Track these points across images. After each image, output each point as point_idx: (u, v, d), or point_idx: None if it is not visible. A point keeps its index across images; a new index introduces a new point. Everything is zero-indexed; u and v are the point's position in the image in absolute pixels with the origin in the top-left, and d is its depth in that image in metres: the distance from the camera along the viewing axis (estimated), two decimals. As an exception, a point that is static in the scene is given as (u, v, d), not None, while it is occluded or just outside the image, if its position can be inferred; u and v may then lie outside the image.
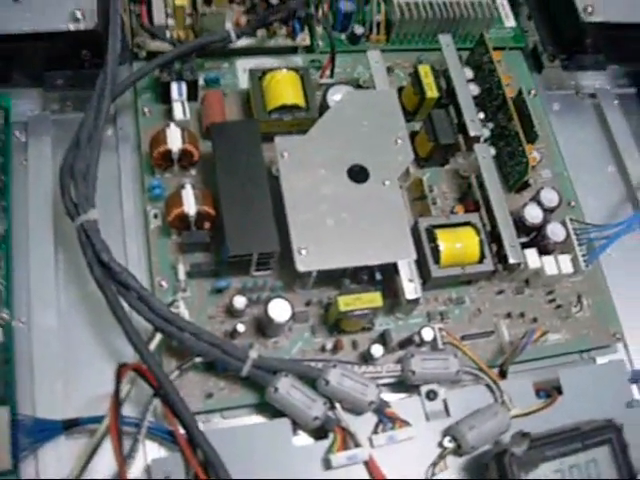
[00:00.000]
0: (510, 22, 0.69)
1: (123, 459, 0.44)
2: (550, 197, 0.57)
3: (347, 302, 0.50)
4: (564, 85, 0.71)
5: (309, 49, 0.64)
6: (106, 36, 0.53)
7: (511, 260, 0.54)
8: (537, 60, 0.69)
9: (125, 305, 0.48)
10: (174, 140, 0.53)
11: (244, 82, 0.60)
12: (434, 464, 0.50)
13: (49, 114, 0.58)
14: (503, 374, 0.54)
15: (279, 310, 0.50)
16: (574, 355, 0.58)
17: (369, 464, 0.49)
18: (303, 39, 0.63)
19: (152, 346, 0.48)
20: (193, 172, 0.56)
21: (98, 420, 0.47)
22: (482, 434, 0.50)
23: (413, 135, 0.60)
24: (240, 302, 0.51)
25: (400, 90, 0.62)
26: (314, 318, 0.54)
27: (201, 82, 0.59)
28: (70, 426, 0.48)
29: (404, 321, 0.55)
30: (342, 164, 0.54)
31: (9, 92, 0.57)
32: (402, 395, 0.53)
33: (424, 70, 0.60)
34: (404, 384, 0.52)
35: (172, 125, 0.54)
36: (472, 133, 0.58)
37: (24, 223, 0.54)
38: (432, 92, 0.59)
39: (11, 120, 0.57)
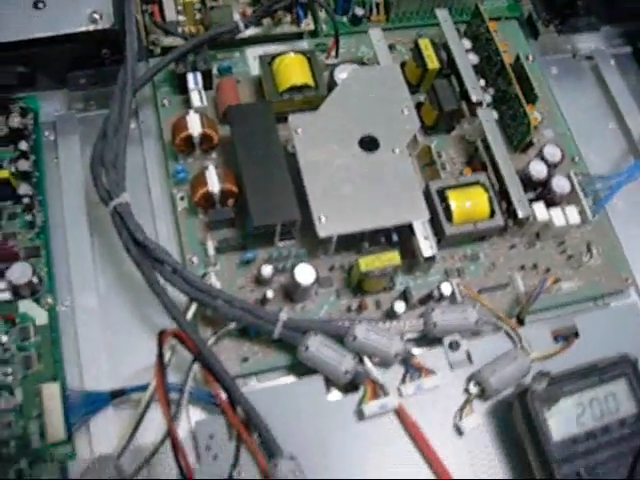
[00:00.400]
0: (504, -7, 0.72)
1: (171, 418, 0.48)
2: (553, 152, 0.60)
3: (367, 262, 0.53)
4: (561, 49, 0.74)
5: (314, 33, 0.67)
6: (123, 34, 0.57)
7: (520, 214, 0.57)
8: (533, 27, 0.72)
9: (161, 280, 0.51)
10: (194, 125, 0.57)
11: (255, 69, 0.63)
12: (461, 409, 0.53)
13: (75, 113, 0.62)
14: (521, 322, 0.56)
15: (305, 274, 0.53)
16: (588, 303, 0.60)
17: (399, 412, 0.52)
18: (307, 24, 0.66)
19: (189, 315, 0.51)
20: (214, 155, 0.60)
21: (143, 389, 0.50)
22: (504, 377, 0.53)
23: (418, 106, 0.63)
24: (267, 271, 0.54)
25: (403, 65, 0.65)
26: (338, 282, 0.57)
27: (215, 72, 0.62)
28: (117, 395, 0.51)
29: (423, 279, 0.58)
30: (353, 136, 0.57)
31: (36, 95, 0.61)
32: (426, 349, 0.56)
33: (424, 43, 0.63)
34: (427, 338, 0.55)
35: (191, 112, 0.57)
36: (474, 99, 0.61)
37: (60, 214, 0.57)
38: (433, 63, 0.62)
39: (40, 121, 0.61)
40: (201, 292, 0.51)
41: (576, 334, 0.57)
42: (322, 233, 0.53)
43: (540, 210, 0.58)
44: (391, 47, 0.66)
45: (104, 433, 0.51)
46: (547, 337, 0.57)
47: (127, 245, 0.51)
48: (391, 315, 0.55)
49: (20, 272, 0.52)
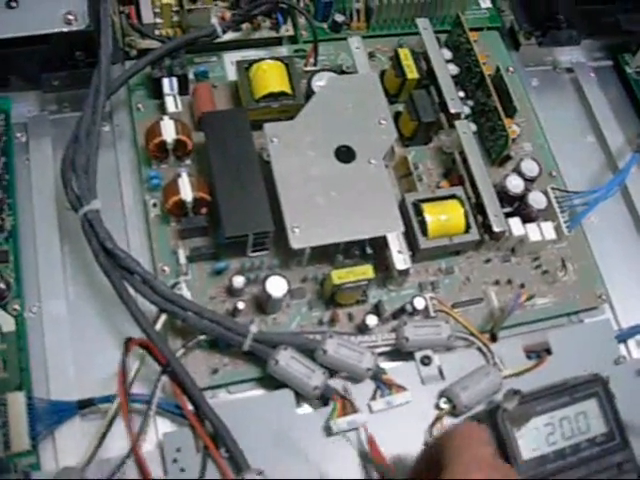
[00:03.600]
0: (486, 3, 0.71)
1: (136, 433, 0.47)
2: (530, 167, 0.60)
3: (340, 275, 0.53)
4: (541, 61, 0.73)
5: (293, 39, 0.66)
6: (98, 36, 0.56)
7: (495, 229, 0.57)
8: (514, 38, 0.72)
9: (130, 289, 0.51)
10: (168, 131, 0.56)
11: (232, 74, 0.63)
12: (431, 425, 0.53)
13: (47, 114, 0.61)
14: (494, 338, 0.56)
15: (276, 286, 0.52)
16: (562, 318, 0.60)
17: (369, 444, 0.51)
18: (286, 30, 0.65)
19: (158, 326, 0.51)
20: (188, 162, 0.59)
21: (111, 399, 0.49)
22: (475, 394, 0.52)
23: (397, 116, 0.63)
24: (239, 281, 0.53)
25: (382, 74, 0.64)
26: (310, 293, 0.56)
27: (191, 76, 0.61)
28: (84, 406, 0.50)
29: (397, 292, 0.57)
30: (329, 146, 0.56)
31: (8, 95, 0.60)
32: (398, 363, 0.56)
33: (404, 53, 0.62)
34: (399, 352, 0.55)
35: (165, 118, 0.56)
36: (453, 110, 0.61)
37: (30, 218, 0.56)
38: (412, 74, 0.62)
39: (11, 122, 0.59)
40: (171, 303, 0.50)
41: (548, 350, 0.57)
42: (295, 244, 0.53)
43: (516, 225, 0.58)
44: (371, 55, 0.66)
45: (70, 444, 0.50)
46: (520, 353, 0.56)
47: (96, 253, 0.51)
48: (363, 328, 0.55)
49: (-14, 279, 0.51)
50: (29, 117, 0.60)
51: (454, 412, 0.53)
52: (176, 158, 0.58)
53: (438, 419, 0.53)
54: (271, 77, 0.59)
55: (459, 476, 0.39)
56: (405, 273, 0.55)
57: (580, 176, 0.67)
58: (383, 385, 0.53)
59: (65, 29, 0.55)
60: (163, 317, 0.51)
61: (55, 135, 0.60)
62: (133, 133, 0.60)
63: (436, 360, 0.55)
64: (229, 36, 0.63)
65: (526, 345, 0.57)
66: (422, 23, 0.64)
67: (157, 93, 0.60)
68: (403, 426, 0.52)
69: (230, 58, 0.64)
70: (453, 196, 0.58)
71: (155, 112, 0.60)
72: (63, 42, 0.56)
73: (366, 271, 0.53)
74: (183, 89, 0.60)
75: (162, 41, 0.61)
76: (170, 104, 0.58)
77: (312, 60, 0.63)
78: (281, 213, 0.53)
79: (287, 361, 0.50)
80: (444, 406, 0.53)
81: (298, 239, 0.53)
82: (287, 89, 0.59)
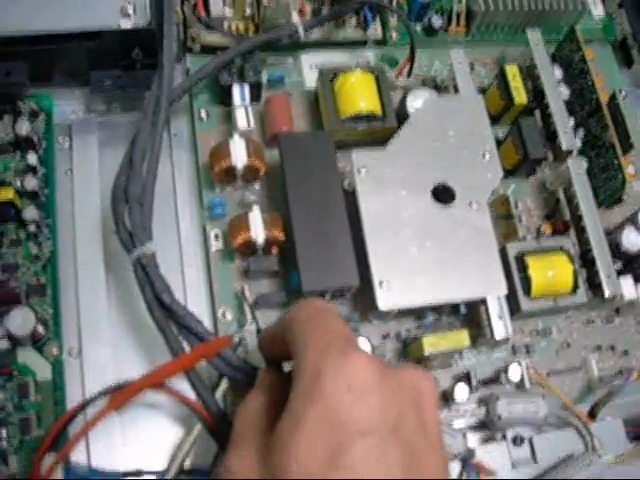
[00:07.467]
0: (598, 10, 0.62)
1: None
2: (650, 219, 0.52)
3: (432, 343, 0.46)
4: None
5: (381, 42, 0.57)
6: (161, 34, 0.47)
7: (607, 293, 0.49)
8: (626, 54, 0.62)
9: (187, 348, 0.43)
10: (238, 154, 0.47)
11: (311, 80, 0.54)
12: (522, 521, 0.46)
13: (95, 116, 0.52)
14: (593, 416, 0.49)
15: (357, 350, 0.45)
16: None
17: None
18: (375, 30, 0.56)
19: (218, 394, 0.44)
20: (257, 186, 0.51)
21: (161, 475, 0.43)
22: (574, 489, 0.46)
23: (497, 144, 0.54)
24: (313, 339, 0.46)
25: (482, 92, 0.56)
26: (390, 352, 0.49)
27: (263, 80, 0.53)
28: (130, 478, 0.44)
29: (487, 356, 0.50)
30: (425, 183, 0.48)
31: (50, 93, 0.51)
32: (481, 434, 0.49)
33: (512, 72, 0.53)
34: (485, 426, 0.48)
35: (235, 136, 0.48)
36: (565, 146, 0.52)
37: (71, 242, 0.48)
38: (521, 98, 0.53)
39: (53, 123, 0.51)
40: (234, 369, 0.43)
41: (651, 429, 0.50)
42: (383, 305, 0.45)
43: (628, 286, 0.50)
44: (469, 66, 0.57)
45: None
46: (621, 433, 0.50)
47: (150, 306, 0.43)
48: (449, 397, 0.48)
49: (21, 320, 0.43)
50: (73, 119, 0.51)
51: (548, 505, 0.46)
52: (244, 182, 0.50)
53: (531, 515, 0.46)
54: (360, 94, 0.50)
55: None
56: (505, 341, 0.47)
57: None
58: (470, 468, 0.46)
59: (122, 24, 0.46)
60: (224, 384, 0.44)
61: (103, 140, 0.51)
62: (194, 147, 0.52)
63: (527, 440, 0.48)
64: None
65: (627, 420, 0.50)
66: (533, 36, 0.55)
67: (224, 99, 0.51)
68: (488, 517, 0.46)
69: (309, 60, 0.55)
70: (560, 249, 0.50)
71: (221, 123, 0.52)
72: (118, 38, 0.47)
73: (461, 339, 0.46)
74: (255, 96, 0.51)
75: (233, 37, 0.52)
76: (241, 119, 0.49)
77: (406, 71, 0.54)
78: (367, 263, 0.46)
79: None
80: (539, 502, 0.46)
81: (386, 299, 0.45)
82: (377, 109, 0.51)
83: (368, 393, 0.30)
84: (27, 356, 0.45)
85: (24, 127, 0.48)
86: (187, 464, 0.44)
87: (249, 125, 0.49)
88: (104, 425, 0.43)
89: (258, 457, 0.32)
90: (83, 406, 0.43)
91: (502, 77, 0.53)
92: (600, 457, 0.47)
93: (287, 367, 0.39)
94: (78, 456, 0.43)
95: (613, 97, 0.55)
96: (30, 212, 0.47)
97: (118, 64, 0.49)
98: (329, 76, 0.51)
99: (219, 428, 0.42)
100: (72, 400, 0.45)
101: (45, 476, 0.41)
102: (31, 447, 0.43)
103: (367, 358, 0.31)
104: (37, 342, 0.45)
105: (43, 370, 0.45)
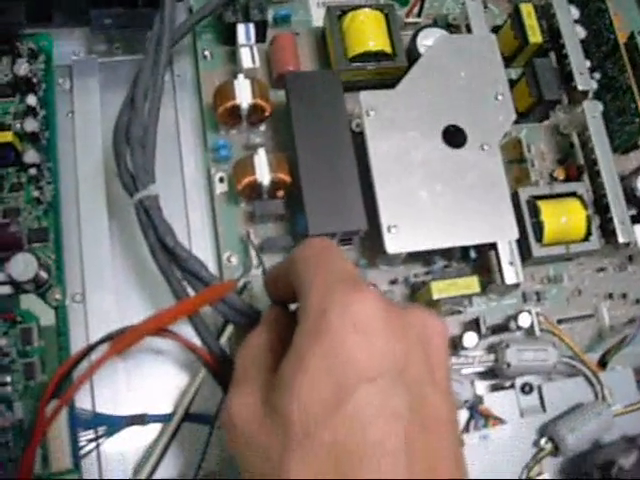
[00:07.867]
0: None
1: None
2: (668, 166, 0.50)
3: (441, 288, 0.45)
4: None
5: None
6: (163, -32, 0.45)
7: (621, 239, 0.48)
8: (645, -9, 0.60)
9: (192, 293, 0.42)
10: (243, 94, 0.46)
11: (318, 19, 0.52)
12: (529, 467, 0.46)
13: (96, 57, 0.50)
14: (603, 365, 0.49)
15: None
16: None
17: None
18: (384, -37, 0.54)
19: (223, 339, 0.43)
20: (262, 128, 0.49)
21: (166, 419, 0.43)
22: (583, 435, 0.45)
23: (510, 85, 0.52)
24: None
25: (496, 31, 0.54)
26: (399, 297, 0.48)
27: (269, 19, 0.51)
28: (134, 423, 0.43)
29: (497, 302, 0.49)
30: (436, 124, 0.47)
31: (50, 33, 0.49)
32: (489, 382, 0.49)
33: (527, 10, 0.51)
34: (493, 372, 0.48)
35: (240, 76, 0.46)
36: (581, 87, 0.50)
37: (73, 185, 0.47)
38: (536, 37, 0.51)
39: (53, 65, 0.49)
40: (240, 314, 0.42)
41: (664, 378, 0.49)
42: (391, 249, 0.44)
43: (642, 233, 0.49)
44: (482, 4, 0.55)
45: (117, 461, 0.43)
46: (631, 383, 0.49)
47: (153, 249, 0.42)
48: (457, 344, 0.47)
49: (23, 266, 0.43)
50: (74, 60, 0.50)
51: (555, 453, 0.46)
52: (249, 124, 0.48)
53: (537, 462, 0.46)
54: (369, 31, 0.49)
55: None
56: (515, 287, 0.46)
57: None
58: (478, 415, 0.46)
59: (124, -43, 0.45)
60: (229, 329, 0.43)
61: (104, 81, 0.50)
62: (198, 87, 0.50)
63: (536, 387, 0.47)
64: (314, -31, 0.52)
65: (636, 368, 0.50)
66: (549, -28, 0.53)
67: (228, 39, 0.50)
68: (496, 461, 0.45)
69: (316, -2, 0.53)
70: (574, 194, 0.49)
71: (226, 63, 0.50)
72: (121, -27, 0.46)
73: (471, 284, 0.45)
74: (260, 35, 0.50)
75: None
76: (246, 58, 0.48)
77: (416, 10, 0.52)
78: (375, 207, 0.44)
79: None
80: (546, 446, 0.46)
81: (395, 243, 0.44)
82: (387, 47, 0.49)
83: (374, 334, 0.29)
84: (30, 302, 0.45)
85: (22, 67, 0.46)
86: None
87: (254, 64, 0.48)
88: (108, 371, 0.43)
89: (261, 395, 0.31)
90: (87, 351, 0.42)
91: (517, 15, 0.51)
92: (609, 406, 0.47)
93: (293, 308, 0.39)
94: (83, 402, 0.43)
95: (632, 37, 0.53)
96: (31, 155, 0.46)
97: (119, 1, 0.47)
98: (337, 13, 0.49)
99: (223, 373, 0.42)
100: (76, 346, 0.44)
101: (50, 420, 0.41)
102: (35, 393, 0.43)
103: (374, 296, 0.30)
104: (40, 288, 0.44)
105: (46, 316, 0.45)
